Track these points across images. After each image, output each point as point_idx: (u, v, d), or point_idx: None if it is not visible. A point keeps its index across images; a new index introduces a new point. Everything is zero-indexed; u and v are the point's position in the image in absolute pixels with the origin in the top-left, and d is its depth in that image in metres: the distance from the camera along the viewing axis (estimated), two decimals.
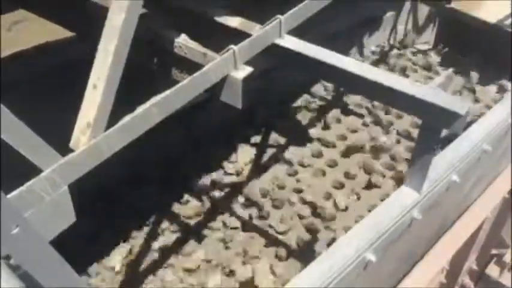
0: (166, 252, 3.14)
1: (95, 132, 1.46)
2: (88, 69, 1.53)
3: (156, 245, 3.16)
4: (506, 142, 2.61)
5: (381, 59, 4.94)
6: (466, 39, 4.67)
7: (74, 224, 1.40)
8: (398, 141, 3.91)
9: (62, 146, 1.43)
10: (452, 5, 4.67)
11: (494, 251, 4.28)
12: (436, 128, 1.74)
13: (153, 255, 3.12)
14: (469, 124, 2.34)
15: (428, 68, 4.80)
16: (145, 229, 3.24)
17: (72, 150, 1.41)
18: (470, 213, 2.75)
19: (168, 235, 3.23)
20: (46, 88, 2.44)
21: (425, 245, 2.55)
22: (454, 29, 4.84)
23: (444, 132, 1.74)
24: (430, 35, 5.26)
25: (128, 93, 1.60)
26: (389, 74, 1.87)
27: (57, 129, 1.49)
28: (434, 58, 4.98)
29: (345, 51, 1.95)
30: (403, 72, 4.72)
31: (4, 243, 0.95)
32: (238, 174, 3.61)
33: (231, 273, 3.02)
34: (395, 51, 5.08)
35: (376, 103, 4.19)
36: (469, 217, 2.75)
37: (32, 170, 1.30)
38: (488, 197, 2.87)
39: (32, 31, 2.47)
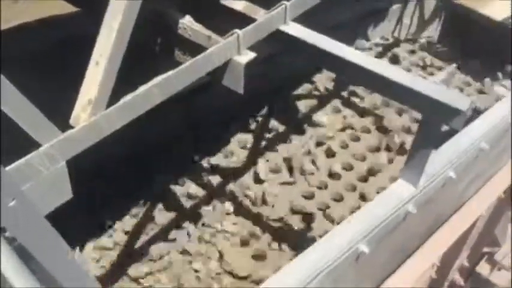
0: (160, 233, 3.15)
1: (95, 109, 1.46)
2: (91, 46, 1.53)
3: (150, 225, 3.18)
4: (505, 141, 2.61)
5: (385, 51, 4.91)
6: (471, 35, 4.65)
7: (70, 200, 1.40)
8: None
9: (62, 122, 1.43)
10: (459, 1, 4.65)
11: (486, 249, 4.30)
12: (436, 123, 1.74)
13: (148, 236, 3.13)
14: (469, 121, 2.35)
15: (431, 62, 4.79)
16: (141, 209, 3.25)
17: (72, 127, 1.41)
18: (465, 210, 2.76)
19: (163, 215, 3.24)
20: (49, 63, 2.43)
21: (418, 239, 2.56)
22: (459, 25, 4.82)
23: (444, 128, 1.75)
24: (435, 29, 5.23)
25: (130, 73, 1.59)
26: (392, 66, 1.87)
27: (58, 104, 1.49)
28: (438, 53, 4.97)
29: (349, 42, 1.94)
30: (406, 65, 4.70)
31: (0, 215, 0.96)
32: (235, 158, 3.61)
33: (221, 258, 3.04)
34: (399, 44, 5.05)
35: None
36: (463, 214, 2.76)
37: (31, 144, 1.30)
38: (484, 195, 2.88)
39: (38, 4, 2.45)
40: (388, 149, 3.77)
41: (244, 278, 2.98)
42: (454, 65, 4.61)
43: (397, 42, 5.03)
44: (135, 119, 1.53)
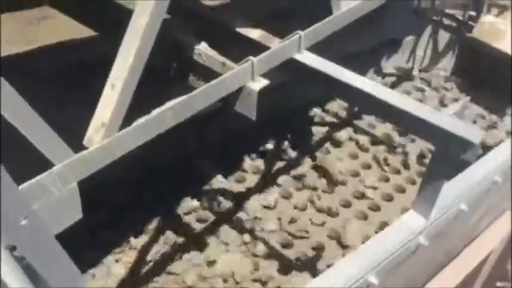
0: (166, 257, 3.14)
1: (108, 131, 1.48)
2: (107, 70, 1.55)
3: (156, 248, 3.16)
4: None
5: (398, 82, 4.93)
6: (484, 69, 4.66)
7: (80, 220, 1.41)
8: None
9: (76, 143, 1.44)
10: (473, 34, 4.67)
11: (498, 284, 4.21)
12: (448, 154, 1.73)
13: (155, 259, 3.12)
14: (482, 154, 2.33)
15: (444, 95, 4.79)
16: (148, 231, 3.25)
17: (85, 148, 1.42)
18: (477, 244, 2.72)
19: (170, 238, 3.23)
20: (65, 84, 2.47)
21: (429, 273, 2.52)
22: (473, 58, 4.83)
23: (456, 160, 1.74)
24: (448, 62, 5.24)
25: (144, 96, 1.62)
26: (405, 97, 1.87)
27: (72, 126, 1.51)
28: (451, 85, 4.97)
29: (362, 72, 1.96)
30: (418, 97, 4.71)
31: (11, 233, 0.97)
32: (245, 184, 3.61)
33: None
34: (412, 75, 5.07)
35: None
36: (476, 248, 2.71)
37: (44, 164, 1.32)
38: (497, 229, 2.84)
39: (58, 28, 2.51)
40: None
41: None
42: (468, 98, 4.61)
43: (410, 74, 5.05)
44: (147, 142, 1.55)
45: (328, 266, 2.33)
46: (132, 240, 3.17)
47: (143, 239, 3.20)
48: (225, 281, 3.02)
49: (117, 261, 3.08)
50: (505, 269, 3.97)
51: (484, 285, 3.71)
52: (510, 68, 4.30)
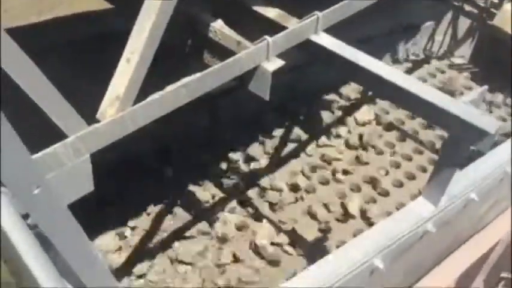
0: (177, 232, 3.18)
1: (122, 105, 1.49)
2: (123, 43, 1.55)
3: (166, 223, 3.20)
4: None
5: (414, 68, 4.87)
6: (503, 57, 4.57)
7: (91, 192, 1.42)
8: (421, 152, 3.87)
9: (90, 116, 1.45)
10: (495, 22, 4.58)
11: (504, 274, 4.21)
12: (462, 143, 1.72)
13: (163, 234, 3.16)
14: (495, 144, 2.30)
15: (460, 82, 4.73)
16: (158, 207, 3.28)
17: (98, 121, 1.43)
18: (485, 234, 2.71)
19: (180, 215, 3.26)
20: (81, 57, 2.48)
21: (435, 259, 2.53)
22: (492, 46, 4.75)
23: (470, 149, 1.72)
24: (467, 49, 5.16)
25: (159, 72, 1.62)
26: (421, 83, 1.85)
27: (86, 98, 1.52)
28: (469, 73, 4.90)
29: (379, 55, 1.93)
30: (435, 83, 4.65)
31: (25, 202, 0.98)
32: (256, 164, 3.62)
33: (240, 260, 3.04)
34: (430, 61, 5.00)
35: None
36: (483, 237, 2.71)
37: (58, 135, 1.33)
38: (505, 220, 2.82)
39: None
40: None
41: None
42: (485, 86, 4.54)
43: (427, 59, 4.98)
44: (159, 118, 1.55)
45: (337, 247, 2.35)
46: (144, 214, 3.21)
47: (152, 215, 3.24)
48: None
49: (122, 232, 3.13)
50: (511, 260, 3.96)
51: (489, 275, 3.72)
52: None
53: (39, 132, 1.33)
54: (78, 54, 2.51)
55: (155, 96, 1.50)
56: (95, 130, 1.38)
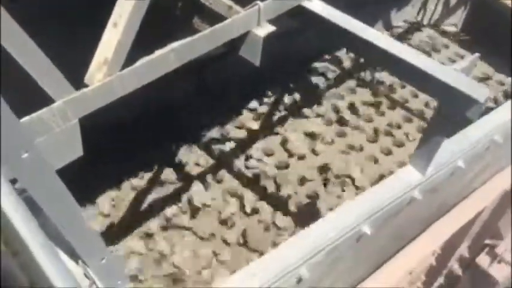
0: (167, 197, 3.19)
1: (110, 70, 1.46)
2: (111, 7, 1.52)
3: (157, 189, 3.22)
4: None
5: (406, 35, 4.84)
6: (495, 26, 4.55)
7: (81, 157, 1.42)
8: (410, 120, 3.89)
9: (79, 80, 1.43)
10: None
11: (488, 241, 4.31)
12: (451, 111, 1.72)
13: (155, 196, 3.17)
14: (484, 112, 2.32)
15: (452, 50, 4.71)
16: (148, 174, 3.29)
17: (86, 86, 1.42)
18: (470, 201, 2.76)
19: (169, 181, 3.27)
20: (68, 20, 2.42)
21: (422, 226, 2.57)
22: (484, 14, 4.72)
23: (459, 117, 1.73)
24: (459, 17, 5.12)
25: (147, 36, 1.59)
26: (412, 50, 1.84)
27: (74, 62, 1.49)
28: (460, 41, 4.89)
29: (371, 23, 1.91)
30: (427, 51, 4.63)
31: (13, 166, 0.98)
32: (246, 131, 3.62)
33: (231, 225, 3.07)
34: (422, 28, 4.97)
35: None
36: (468, 204, 2.76)
37: (46, 100, 1.32)
38: (491, 187, 2.87)
39: None
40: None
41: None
42: (477, 55, 4.54)
43: (419, 27, 4.95)
44: (148, 83, 1.54)
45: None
46: (132, 180, 3.22)
47: (143, 181, 3.24)
48: None
49: (112, 198, 3.14)
50: (496, 227, 4.05)
51: (473, 241, 3.81)
52: None
53: (28, 97, 1.31)
54: (66, 18, 2.45)
55: (143, 60, 1.48)
56: (82, 95, 1.36)
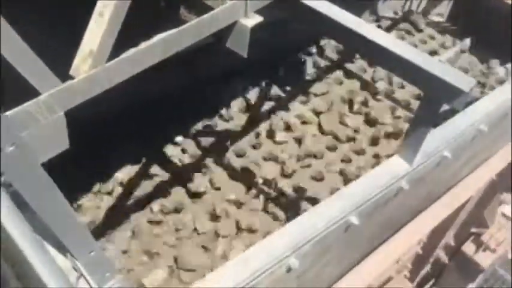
0: (154, 191, 3.18)
1: (96, 61, 1.45)
2: None
3: (144, 183, 3.20)
4: (503, 125, 2.61)
5: (393, 26, 4.85)
6: (481, 16, 4.58)
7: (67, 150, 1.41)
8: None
9: (65, 72, 1.42)
10: None
11: (473, 230, 4.37)
12: (437, 101, 1.74)
13: (141, 190, 3.16)
14: (469, 102, 2.34)
15: (438, 41, 4.74)
16: (135, 167, 3.27)
17: (72, 78, 1.40)
18: (456, 190, 2.80)
19: (157, 174, 3.26)
20: (53, 11, 2.39)
21: (409, 215, 2.60)
22: (470, 5, 4.74)
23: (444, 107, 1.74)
24: (445, 7, 5.15)
25: (133, 28, 1.57)
26: (397, 41, 1.85)
27: (60, 54, 1.48)
28: (446, 31, 4.91)
29: (357, 13, 1.91)
30: (413, 41, 4.65)
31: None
32: (233, 122, 3.62)
33: (217, 218, 3.07)
34: (408, 19, 4.98)
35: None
36: (455, 194, 2.79)
37: (32, 93, 1.30)
38: (477, 177, 2.91)
39: None
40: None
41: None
42: (462, 44, 4.57)
43: (406, 17, 4.96)
44: (135, 75, 1.52)
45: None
46: (118, 174, 3.19)
47: (130, 174, 3.22)
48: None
49: (99, 192, 3.11)
50: (482, 216, 4.11)
51: (460, 229, 3.86)
52: (506, 16, 4.24)
53: (13, 90, 1.29)
54: (50, 9, 2.41)
55: (129, 52, 1.47)
56: (68, 87, 1.35)
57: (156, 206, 3.09)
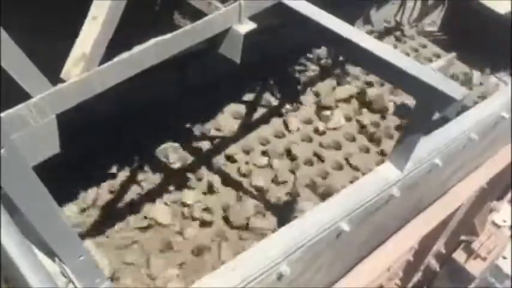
0: (147, 196, 3.16)
1: (88, 65, 1.44)
2: (90, 0, 1.50)
3: (134, 188, 3.18)
4: (494, 134, 2.64)
5: (385, 33, 4.89)
6: (472, 25, 4.63)
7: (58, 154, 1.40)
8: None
9: (57, 76, 1.41)
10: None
11: (464, 237, 4.39)
12: (429, 109, 1.75)
13: (133, 195, 3.14)
14: (461, 111, 2.36)
15: (430, 49, 4.77)
16: (125, 172, 3.25)
17: (63, 81, 1.39)
18: (447, 198, 2.81)
19: (149, 179, 3.24)
20: (45, 14, 2.38)
21: (400, 222, 2.61)
22: (462, 14, 4.79)
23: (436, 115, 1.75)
24: (437, 16, 5.20)
25: (127, 32, 1.57)
26: (391, 49, 1.86)
27: (52, 57, 1.47)
28: (438, 40, 4.95)
29: (350, 21, 1.93)
30: (405, 50, 4.69)
31: None
32: (225, 129, 3.61)
33: (207, 224, 3.06)
34: (400, 27, 5.02)
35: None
36: (445, 201, 2.80)
37: (23, 95, 1.29)
38: (467, 185, 2.92)
39: None
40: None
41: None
42: (453, 54, 4.60)
43: (398, 26, 5.00)
44: (127, 80, 1.52)
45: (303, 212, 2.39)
46: (111, 179, 3.18)
47: (119, 179, 3.20)
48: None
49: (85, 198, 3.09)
50: (472, 223, 4.13)
51: (450, 237, 3.88)
52: (497, 27, 4.29)
53: (4, 93, 1.28)
54: (42, 12, 2.41)
55: (123, 56, 1.47)
56: (59, 90, 1.34)
57: (149, 210, 3.08)
